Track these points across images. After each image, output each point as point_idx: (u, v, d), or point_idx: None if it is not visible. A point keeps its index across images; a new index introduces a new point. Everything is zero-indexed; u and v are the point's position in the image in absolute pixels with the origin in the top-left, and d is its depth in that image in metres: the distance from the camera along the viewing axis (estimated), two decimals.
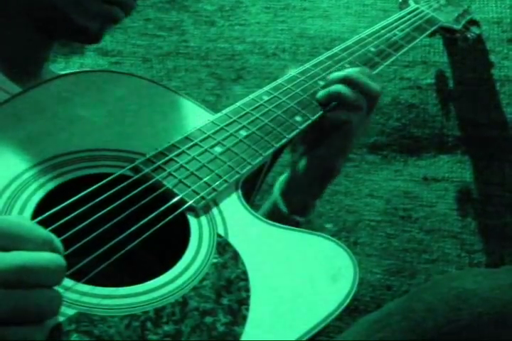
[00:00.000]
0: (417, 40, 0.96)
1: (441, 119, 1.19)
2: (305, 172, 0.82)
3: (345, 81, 0.77)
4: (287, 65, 1.25)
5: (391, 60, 0.88)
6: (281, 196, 0.83)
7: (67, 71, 1.09)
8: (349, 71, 0.78)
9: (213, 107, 1.26)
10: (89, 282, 0.51)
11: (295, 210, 0.82)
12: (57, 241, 0.45)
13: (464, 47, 1.15)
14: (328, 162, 0.81)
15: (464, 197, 1.18)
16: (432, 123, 1.20)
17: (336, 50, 0.85)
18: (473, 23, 1.18)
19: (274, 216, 0.81)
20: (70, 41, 0.82)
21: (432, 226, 1.19)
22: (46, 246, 0.44)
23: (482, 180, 1.18)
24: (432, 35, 1.10)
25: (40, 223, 0.51)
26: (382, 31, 0.93)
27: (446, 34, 1.13)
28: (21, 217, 0.51)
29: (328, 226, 1.20)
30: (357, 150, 1.23)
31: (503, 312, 0.54)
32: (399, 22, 0.97)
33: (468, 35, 1.13)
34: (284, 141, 0.68)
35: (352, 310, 1.19)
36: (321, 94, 0.76)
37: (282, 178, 0.85)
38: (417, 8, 1.04)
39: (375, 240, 1.21)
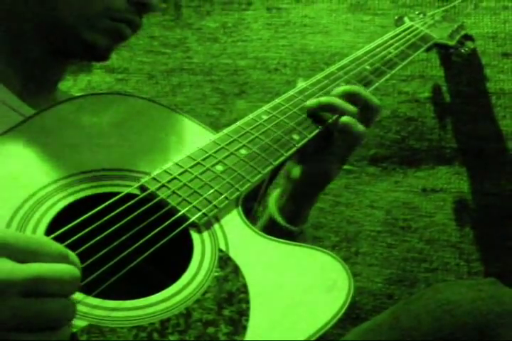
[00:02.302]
0: (411, 57, 0.98)
1: (438, 132, 1.22)
2: (300, 180, 0.84)
3: (347, 94, 0.81)
4: (290, 82, 1.29)
5: (385, 77, 0.91)
6: (277, 208, 0.86)
7: (75, 88, 1.13)
8: (350, 86, 0.82)
9: (217, 121, 1.31)
10: (97, 295, 0.54)
11: (290, 220, 0.85)
12: (72, 255, 0.48)
13: (459, 62, 1.19)
14: (326, 170, 0.84)
15: (462, 208, 1.21)
16: (430, 135, 1.23)
17: (332, 68, 0.88)
18: (468, 37, 1.21)
19: (270, 228, 0.84)
20: (80, 60, 0.85)
21: (431, 236, 1.22)
22: (62, 259, 0.47)
23: (479, 190, 1.20)
24: (428, 50, 1.13)
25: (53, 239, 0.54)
26: (378, 49, 0.96)
27: (441, 50, 1.16)
28: (40, 235, 0.54)
29: (328, 235, 1.24)
30: (357, 163, 1.26)
31: (484, 322, 0.57)
32: (394, 40, 1.00)
33: (462, 50, 1.16)
34: (282, 158, 0.71)
35: (354, 319, 1.21)
36: (310, 102, 0.79)
37: (276, 192, 0.88)
38: (412, 26, 1.07)
39: (375, 250, 1.24)
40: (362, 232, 1.25)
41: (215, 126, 1.31)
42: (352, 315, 1.21)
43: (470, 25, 1.21)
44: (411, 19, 1.14)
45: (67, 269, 0.46)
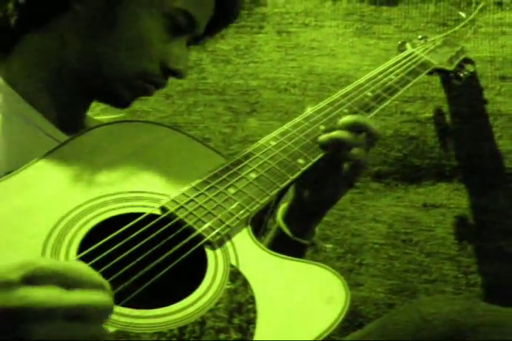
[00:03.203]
0: (411, 84, 1.04)
1: (439, 150, 1.27)
2: (311, 201, 0.92)
3: (349, 125, 0.87)
4: (299, 101, 1.35)
5: (386, 103, 0.96)
6: (285, 222, 0.93)
7: (98, 108, 1.21)
8: (350, 117, 0.88)
9: (229, 138, 1.38)
10: (122, 304, 0.61)
11: (298, 234, 0.93)
12: (106, 284, 0.55)
13: (458, 85, 1.24)
14: (334, 191, 0.92)
15: (460, 222, 1.26)
16: (430, 153, 1.28)
17: (336, 96, 0.94)
18: (468, 61, 1.26)
19: (280, 241, 0.92)
20: (103, 103, 0.95)
21: (431, 249, 1.27)
22: (99, 288, 0.54)
23: (477, 206, 1.25)
24: (430, 73, 1.19)
25: (83, 257, 0.62)
26: (379, 76, 1.01)
27: (441, 74, 1.22)
28: (82, 264, 0.59)
29: (329, 246, 1.30)
30: (362, 179, 1.32)
31: (458, 331, 0.65)
32: (394, 67, 1.05)
33: (461, 74, 1.22)
34: (287, 181, 0.78)
35: (357, 326, 1.28)
36: (322, 138, 0.86)
37: (284, 207, 0.95)
38: (412, 53, 1.12)
39: (378, 261, 1.30)
40: (365, 244, 1.31)
41: (228, 142, 1.38)
42: (355, 323, 1.28)
43: (469, 50, 1.26)
44: (413, 45, 1.19)
45: (103, 299, 0.53)
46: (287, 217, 0.94)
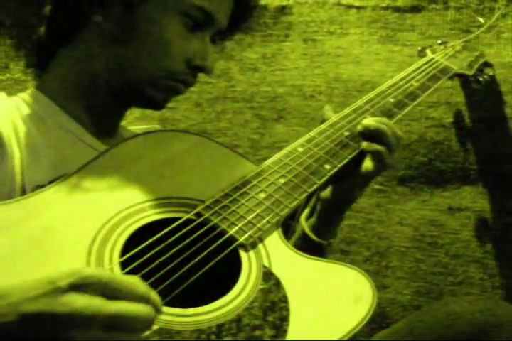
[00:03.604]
0: (432, 89, 1.06)
1: (463, 154, 1.30)
2: (329, 200, 0.95)
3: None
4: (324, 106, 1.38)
5: (407, 109, 0.99)
6: (307, 224, 0.97)
7: (131, 117, 1.25)
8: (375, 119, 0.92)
9: (257, 144, 1.42)
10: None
11: (319, 235, 0.95)
12: (154, 296, 0.56)
13: (478, 88, 1.26)
14: (352, 190, 0.94)
15: (485, 225, 1.28)
16: (455, 158, 1.31)
17: (359, 102, 0.98)
18: (488, 65, 1.27)
19: (303, 241, 0.95)
20: (140, 108, 0.98)
21: (457, 252, 1.29)
22: (143, 300, 0.55)
23: (501, 209, 1.28)
24: (450, 78, 1.21)
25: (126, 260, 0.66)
26: (401, 82, 1.04)
27: (461, 78, 1.24)
28: (128, 276, 0.61)
29: (360, 250, 1.33)
30: (387, 183, 1.34)
31: (481, 330, 0.69)
32: (415, 73, 1.08)
33: (481, 79, 1.23)
34: (315, 186, 0.82)
35: (384, 328, 1.29)
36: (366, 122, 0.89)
37: (307, 210, 0.98)
38: (432, 59, 1.15)
39: (404, 264, 1.32)
40: (392, 247, 1.33)
41: (256, 148, 1.42)
42: (382, 324, 1.30)
43: (492, 55, 1.28)
44: (433, 51, 1.21)
45: (144, 310, 0.54)
46: (309, 219, 0.97)
